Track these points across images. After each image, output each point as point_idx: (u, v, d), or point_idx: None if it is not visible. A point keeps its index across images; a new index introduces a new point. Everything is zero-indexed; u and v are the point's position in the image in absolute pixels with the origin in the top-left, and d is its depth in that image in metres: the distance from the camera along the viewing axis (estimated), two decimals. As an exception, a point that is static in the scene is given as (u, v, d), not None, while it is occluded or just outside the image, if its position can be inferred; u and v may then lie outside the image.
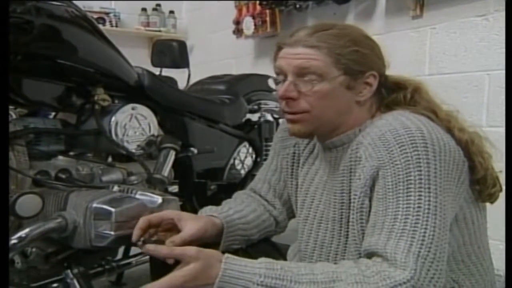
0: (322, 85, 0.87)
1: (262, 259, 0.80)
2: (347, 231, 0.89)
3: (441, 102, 0.94)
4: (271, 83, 0.94)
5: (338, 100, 0.89)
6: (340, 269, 0.78)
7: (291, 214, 1.12)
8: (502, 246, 1.68)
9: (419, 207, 0.77)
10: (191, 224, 0.91)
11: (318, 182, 0.98)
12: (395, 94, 0.93)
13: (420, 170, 0.78)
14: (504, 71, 1.79)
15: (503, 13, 1.82)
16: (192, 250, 0.79)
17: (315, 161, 1.01)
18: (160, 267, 0.93)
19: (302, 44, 0.87)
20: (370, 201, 0.83)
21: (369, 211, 0.83)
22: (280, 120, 2.01)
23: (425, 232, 0.75)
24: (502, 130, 1.76)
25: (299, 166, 1.05)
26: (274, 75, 0.95)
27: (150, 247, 0.84)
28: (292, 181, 1.07)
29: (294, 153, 1.07)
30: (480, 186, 0.89)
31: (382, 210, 0.79)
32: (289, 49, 0.89)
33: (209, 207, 1.06)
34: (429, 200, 0.77)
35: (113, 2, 3.46)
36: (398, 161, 0.79)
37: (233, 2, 3.10)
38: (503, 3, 1.81)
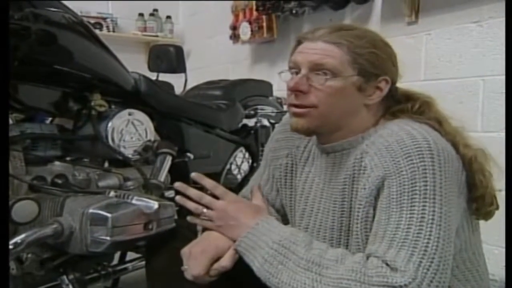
0: (334, 82, 0.87)
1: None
2: (347, 240, 0.89)
3: (449, 116, 0.94)
4: (284, 76, 0.94)
5: (347, 99, 0.89)
6: (349, 256, 0.80)
7: (283, 222, 1.12)
8: (497, 251, 1.69)
9: (422, 217, 0.76)
10: None
11: (316, 189, 0.98)
12: (404, 104, 0.93)
13: (426, 181, 0.78)
14: (498, 77, 1.82)
15: (497, 20, 1.84)
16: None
17: (311, 168, 1.01)
18: (156, 272, 0.93)
19: (322, 40, 0.88)
20: (374, 210, 0.83)
21: (373, 220, 0.83)
22: (276, 126, 2.02)
23: (427, 243, 0.75)
24: (496, 135, 1.79)
25: (295, 176, 1.04)
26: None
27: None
28: (286, 191, 1.06)
29: (287, 163, 1.06)
30: (478, 204, 0.89)
31: (385, 219, 0.79)
32: (308, 44, 0.90)
33: None
34: (433, 211, 0.77)
35: (110, 3, 3.46)
36: (405, 171, 0.79)
37: (229, 7, 3.11)
38: (497, 9, 1.83)
